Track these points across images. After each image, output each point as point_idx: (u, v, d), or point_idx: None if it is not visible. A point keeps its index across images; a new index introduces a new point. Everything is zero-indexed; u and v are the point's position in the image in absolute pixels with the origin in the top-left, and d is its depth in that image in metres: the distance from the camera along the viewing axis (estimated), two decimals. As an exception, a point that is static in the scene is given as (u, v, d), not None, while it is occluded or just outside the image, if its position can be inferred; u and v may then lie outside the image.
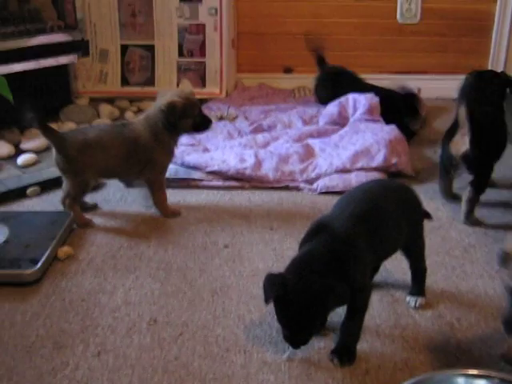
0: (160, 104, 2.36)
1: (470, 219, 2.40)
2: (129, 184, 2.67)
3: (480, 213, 2.43)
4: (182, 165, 2.74)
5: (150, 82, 3.85)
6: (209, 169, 2.71)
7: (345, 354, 1.64)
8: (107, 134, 2.36)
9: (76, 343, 1.72)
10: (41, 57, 3.18)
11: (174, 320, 1.81)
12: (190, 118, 2.39)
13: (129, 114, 3.59)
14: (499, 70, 4.08)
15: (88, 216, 2.42)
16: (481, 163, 2.36)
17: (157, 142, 2.37)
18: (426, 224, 2.21)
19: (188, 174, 2.71)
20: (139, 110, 3.69)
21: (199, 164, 2.72)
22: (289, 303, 1.53)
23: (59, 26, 3.27)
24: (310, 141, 2.96)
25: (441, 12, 4.02)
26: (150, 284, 1.99)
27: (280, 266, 2.02)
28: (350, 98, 3.23)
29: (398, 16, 4.03)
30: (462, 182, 2.49)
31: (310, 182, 2.68)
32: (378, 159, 2.74)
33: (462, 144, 2.32)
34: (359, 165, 2.72)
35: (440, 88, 4.05)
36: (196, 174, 2.71)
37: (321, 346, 1.69)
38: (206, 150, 2.93)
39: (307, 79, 4.02)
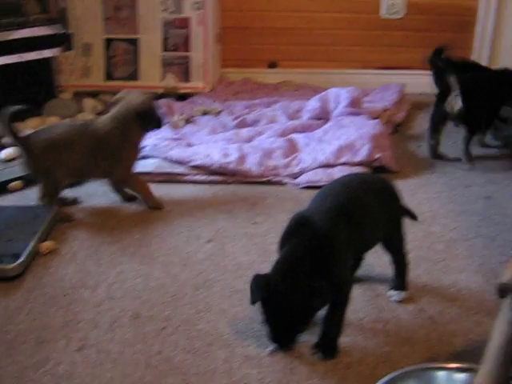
0: (133, 106, 2.37)
1: (467, 156, 2.89)
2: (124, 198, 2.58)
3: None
4: (166, 159, 2.73)
5: (134, 76, 3.84)
6: (192, 163, 2.70)
7: (327, 347, 1.64)
8: (72, 132, 2.35)
9: (58, 338, 1.71)
10: (23, 50, 3.15)
11: (156, 314, 1.81)
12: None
13: (112, 109, 3.57)
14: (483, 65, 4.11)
15: (71, 211, 2.41)
16: (472, 118, 2.86)
17: (126, 141, 2.39)
18: (408, 219, 2.23)
19: (171, 169, 2.70)
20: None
21: (182, 158, 2.72)
22: (274, 305, 1.55)
23: (42, 20, 3.25)
24: (294, 135, 2.96)
25: (425, 7, 4.03)
26: (133, 278, 1.99)
27: (263, 260, 2.05)
28: (331, 92, 3.24)
29: (383, 11, 4.04)
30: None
31: (294, 176, 2.68)
32: (362, 154, 2.75)
33: (455, 103, 2.80)
34: (343, 159, 2.72)
35: (424, 83, 4.04)
36: (179, 169, 2.71)
37: (303, 339, 1.69)
38: (189, 144, 2.92)
39: (292, 74, 4.03)
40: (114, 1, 3.77)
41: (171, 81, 3.80)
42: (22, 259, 2.00)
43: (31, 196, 2.51)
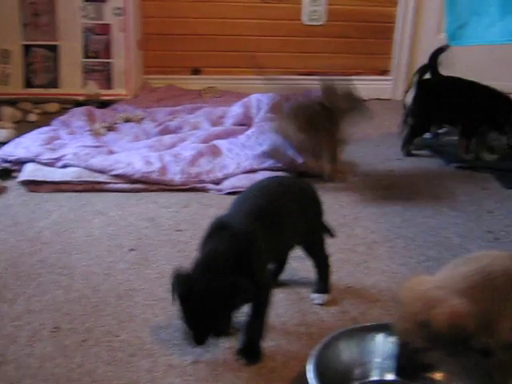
0: None
1: (404, 149, 3.19)
2: None
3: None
4: (87, 168, 2.68)
5: (55, 83, 3.77)
6: (114, 172, 2.66)
7: (251, 352, 1.64)
8: None
9: (-27, 355, 1.65)
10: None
11: (77, 327, 1.77)
12: None
13: (32, 117, 3.49)
14: (403, 70, 4.22)
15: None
16: (417, 115, 3.13)
17: None
18: (331, 221, 2.25)
19: (93, 177, 2.65)
20: (43, 112, 3.60)
21: (104, 167, 2.67)
22: (192, 301, 1.53)
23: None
24: (217, 142, 2.96)
25: (345, 14, 4.11)
26: (53, 290, 1.94)
27: (187, 267, 2.02)
28: (253, 98, 3.26)
29: (304, 17, 4.09)
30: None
31: (217, 182, 2.68)
32: (285, 159, 2.77)
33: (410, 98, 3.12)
34: (266, 164, 2.74)
35: (346, 88, 4.13)
36: (101, 177, 2.66)
37: (227, 346, 1.69)
38: (111, 152, 2.88)
39: (215, 80, 4.04)
40: (32, 7, 3.68)
41: (93, 88, 3.74)
42: None
43: None
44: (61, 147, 2.84)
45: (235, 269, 1.54)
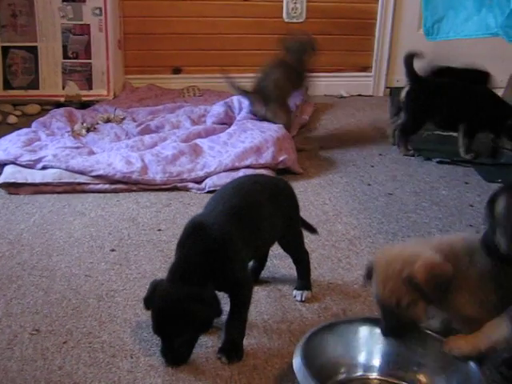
0: None
1: (400, 148, 3.16)
2: None
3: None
4: (67, 169, 2.66)
5: (35, 84, 3.74)
6: (94, 173, 2.64)
7: (232, 350, 1.64)
8: None
9: (-48, 360, 1.64)
10: None
11: (57, 328, 1.76)
12: None
13: (12, 119, 3.46)
14: (384, 66, 4.23)
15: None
16: (410, 109, 3.09)
17: None
18: (313, 218, 2.26)
19: (73, 178, 2.64)
20: (23, 114, 3.57)
21: (84, 168, 2.65)
22: (155, 308, 1.58)
23: None
24: (198, 140, 2.95)
25: (325, 11, 4.11)
26: (33, 293, 1.92)
27: (168, 267, 2.01)
28: (235, 98, 3.27)
29: (284, 15, 4.09)
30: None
31: (199, 181, 2.67)
32: (266, 157, 2.77)
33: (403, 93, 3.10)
34: (247, 162, 2.73)
35: (328, 85, 4.15)
36: (81, 178, 2.64)
37: (208, 344, 1.68)
38: (91, 152, 2.86)
39: (196, 79, 4.03)
40: (10, 8, 3.65)
41: (73, 89, 3.72)
42: None
43: None
44: (40, 149, 2.81)
45: (208, 274, 1.56)
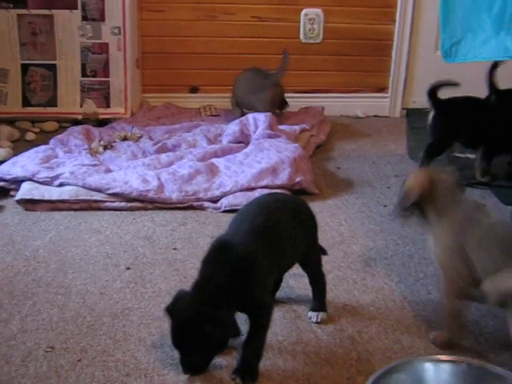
0: None
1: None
2: None
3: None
4: (83, 186, 2.67)
5: (53, 102, 3.76)
6: (110, 191, 2.65)
7: (247, 372, 1.63)
8: None
9: (-33, 375, 1.64)
10: None
11: (72, 346, 1.76)
12: None
13: (30, 135, 3.49)
14: (400, 87, 4.22)
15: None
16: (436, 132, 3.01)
17: None
18: (328, 239, 2.26)
19: (89, 196, 2.65)
20: (41, 131, 3.60)
21: (101, 186, 2.66)
22: (173, 322, 1.60)
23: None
24: (215, 160, 2.95)
25: (342, 32, 4.12)
26: (48, 310, 1.93)
27: (183, 286, 2.00)
28: (250, 116, 3.27)
29: (302, 36, 4.10)
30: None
31: (215, 200, 2.68)
32: (283, 178, 2.77)
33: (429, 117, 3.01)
34: (264, 182, 2.73)
35: (344, 106, 4.14)
36: (98, 196, 2.65)
37: (222, 364, 1.68)
38: (108, 170, 2.87)
39: (213, 98, 4.04)
40: (30, 26, 3.69)
41: (91, 106, 3.75)
42: None
43: None
44: (58, 166, 2.83)
45: (231, 294, 1.56)
